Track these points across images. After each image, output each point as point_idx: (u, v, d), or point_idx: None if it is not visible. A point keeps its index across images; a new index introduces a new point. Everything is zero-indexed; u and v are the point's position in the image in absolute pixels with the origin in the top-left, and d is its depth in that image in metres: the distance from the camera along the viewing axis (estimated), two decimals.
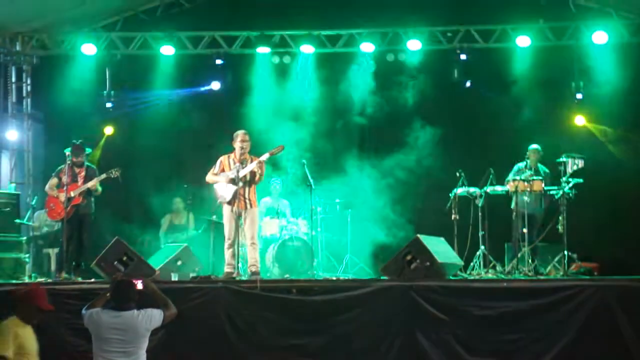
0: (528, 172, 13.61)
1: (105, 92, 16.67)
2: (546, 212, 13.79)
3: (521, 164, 13.89)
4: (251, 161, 12.72)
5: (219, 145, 14.15)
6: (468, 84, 16.54)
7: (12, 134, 17.15)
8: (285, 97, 16.81)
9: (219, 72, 16.90)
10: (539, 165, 14.09)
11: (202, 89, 17.09)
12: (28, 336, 7.66)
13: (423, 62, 16.61)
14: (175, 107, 17.01)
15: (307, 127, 16.33)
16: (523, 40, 16.20)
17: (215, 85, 16.96)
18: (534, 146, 14.19)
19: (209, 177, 13.03)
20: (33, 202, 15.46)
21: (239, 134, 12.84)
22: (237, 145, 12.77)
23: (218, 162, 12.99)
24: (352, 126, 16.92)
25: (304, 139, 15.90)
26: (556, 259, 13.18)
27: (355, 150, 16.45)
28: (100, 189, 13.42)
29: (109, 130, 17.01)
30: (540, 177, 13.49)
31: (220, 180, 12.80)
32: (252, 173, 12.68)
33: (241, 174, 12.61)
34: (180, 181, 16.07)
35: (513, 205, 13.79)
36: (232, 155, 12.90)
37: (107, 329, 7.85)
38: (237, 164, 12.70)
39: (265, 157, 12.72)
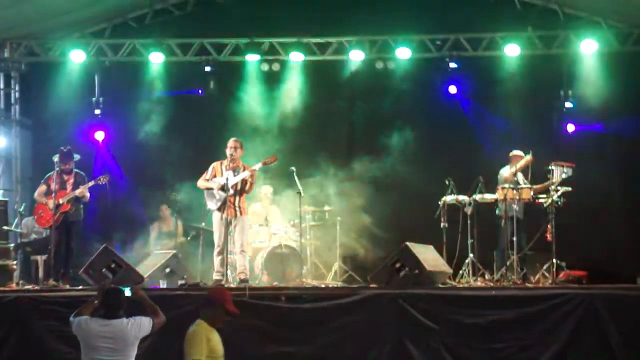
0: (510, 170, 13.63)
1: (94, 98, 16.63)
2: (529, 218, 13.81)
3: (504, 171, 13.89)
4: (243, 169, 12.74)
5: (209, 152, 14.17)
6: (453, 90, 16.50)
7: (0, 141, 17.09)
8: (274, 104, 16.78)
9: (208, 80, 16.85)
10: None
11: (188, 92, 17.03)
12: (217, 340, 7.50)
13: (412, 70, 16.61)
14: (164, 114, 16.88)
15: (295, 134, 16.34)
16: (512, 49, 16.22)
17: (201, 92, 16.89)
18: (517, 152, 14.20)
19: (200, 183, 13.05)
20: (21, 209, 15.39)
21: (229, 141, 12.87)
22: (227, 152, 12.79)
23: (210, 168, 13.00)
24: (340, 134, 16.95)
25: (292, 146, 15.88)
26: (545, 267, 13.19)
27: (344, 158, 16.42)
28: (88, 194, 13.38)
29: (100, 135, 16.88)
30: (529, 185, 13.50)
31: (211, 186, 12.80)
32: (243, 182, 12.70)
33: (232, 182, 12.60)
34: (167, 187, 15.95)
35: (498, 211, 13.79)
36: (224, 161, 12.90)
37: (96, 337, 7.81)
38: (229, 171, 12.70)
39: (257, 166, 12.75)
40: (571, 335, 11.21)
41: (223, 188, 12.60)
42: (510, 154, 14.19)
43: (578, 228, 15.10)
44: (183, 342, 10.99)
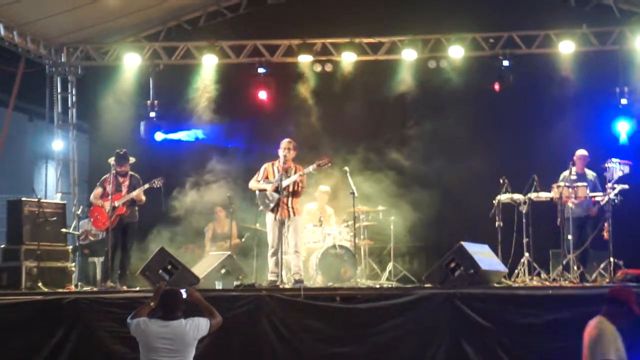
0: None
1: (148, 101, 16.80)
2: (595, 218, 13.64)
3: (566, 172, 13.73)
4: (295, 171, 12.76)
5: (260, 153, 14.26)
6: (496, 87, 16.33)
7: (58, 144, 17.38)
8: (326, 105, 16.80)
9: (261, 81, 16.91)
10: (586, 170, 13.96)
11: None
12: (620, 340, 7.29)
13: (465, 68, 16.53)
14: (218, 116, 17.00)
15: (349, 135, 16.36)
16: (566, 46, 16.08)
17: (262, 95, 16.92)
18: (580, 152, 14.05)
19: (252, 184, 13.10)
20: (78, 212, 15.60)
21: (283, 142, 12.89)
22: (280, 153, 12.82)
23: (262, 169, 13.04)
24: (393, 133, 16.90)
25: (345, 146, 15.88)
26: (602, 265, 13.05)
27: (398, 157, 16.38)
28: (144, 198, 13.50)
29: (158, 136, 17.00)
30: (585, 184, 13.37)
31: (264, 187, 12.83)
32: (295, 183, 12.71)
33: (284, 183, 12.62)
34: (222, 189, 16.02)
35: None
36: (276, 162, 12.94)
37: (155, 338, 7.88)
38: (281, 173, 12.73)
39: (310, 169, 12.72)
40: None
41: (277, 189, 12.64)
42: (577, 155, 14.04)
43: (636, 225, 14.89)
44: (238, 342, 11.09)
